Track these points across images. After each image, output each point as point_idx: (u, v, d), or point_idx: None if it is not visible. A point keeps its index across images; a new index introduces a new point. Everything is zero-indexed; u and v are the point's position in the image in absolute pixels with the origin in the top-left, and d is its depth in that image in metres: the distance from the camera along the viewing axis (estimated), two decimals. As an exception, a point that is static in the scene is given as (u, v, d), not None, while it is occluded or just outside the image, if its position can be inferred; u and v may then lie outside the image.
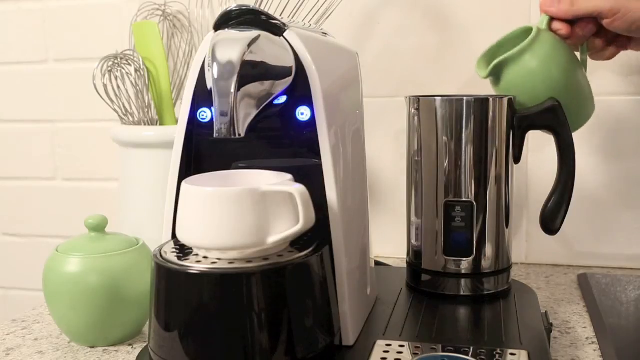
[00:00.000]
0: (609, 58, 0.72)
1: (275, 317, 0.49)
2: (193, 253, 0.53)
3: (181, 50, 0.96)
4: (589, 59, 0.73)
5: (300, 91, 0.55)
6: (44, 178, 1.11)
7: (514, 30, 0.71)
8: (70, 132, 1.08)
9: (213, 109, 0.49)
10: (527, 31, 0.69)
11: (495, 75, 0.70)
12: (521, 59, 0.68)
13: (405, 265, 0.74)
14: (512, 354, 0.54)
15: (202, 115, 0.58)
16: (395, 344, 0.57)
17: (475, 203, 0.67)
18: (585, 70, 0.73)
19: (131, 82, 0.86)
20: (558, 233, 0.70)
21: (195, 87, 0.57)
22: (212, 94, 0.48)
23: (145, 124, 0.88)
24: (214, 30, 0.54)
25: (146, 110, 0.88)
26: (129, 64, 0.86)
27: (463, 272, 0.69)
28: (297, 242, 0.54)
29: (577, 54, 0.72)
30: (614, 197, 0.88)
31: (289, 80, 0.54)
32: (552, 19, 0.69)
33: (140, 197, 0.85)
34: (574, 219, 0.79)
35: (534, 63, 0.67)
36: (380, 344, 0.57)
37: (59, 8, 1.05)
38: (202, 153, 0.59)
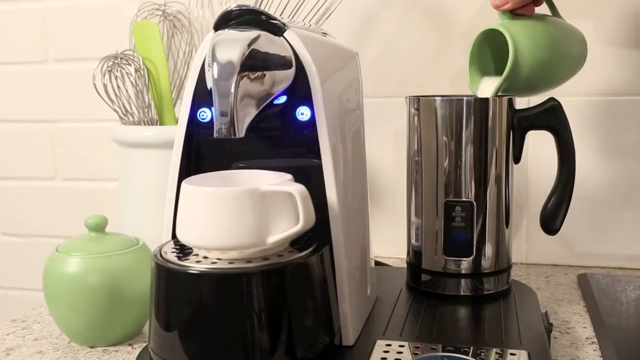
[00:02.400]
0: None
1: (275, 317, 0.49)
2: (193, 253, 0.53)
3: (181, 50, 0.96)
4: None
5: (300, 91, 0.55)
6: (44, 178, 1.11)
7: (475, 38, 0.69)
8: (70, 132, 1.08)
9: (213, 109, 0.49)
10: (489, 33, 0.68)
11: (503, 90, 0.69)
12: (517, 67, 0.66)
13: (405, 265, 0.74)
14: (512, 354, 0.54)
15: (202, 115, 0.58)
16: (395, 344, 0.57)
17: (475, 203, 0.67)
18: (560, 16, 0.74)
19: (131, 82, 0.86)
20: (558, 233, 0.70)
21: (195, 87, 0.57)
22: (212, 94, 0.48)
23: (145, 124, 0.88)
24: (214, 30, 0.54)
25: (146, 110, 0.88)
26: (129, 64, 0.86)
27: (463, 272, 0.69)
28: (297, 242, 0.54)
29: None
30: (614, 197, 0.88)
31: (289, 80, 0.54)
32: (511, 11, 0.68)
33: (140, 197, 0.85)
34: (574, 219, 0.79)
35: (527, 58, 0.66)
36: (380, 344, 0.57)
37: (59, 8, 1.05)
38: (202, 153, 0.59)
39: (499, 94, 0.69)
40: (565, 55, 0.71)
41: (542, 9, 0.72)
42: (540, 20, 0.69)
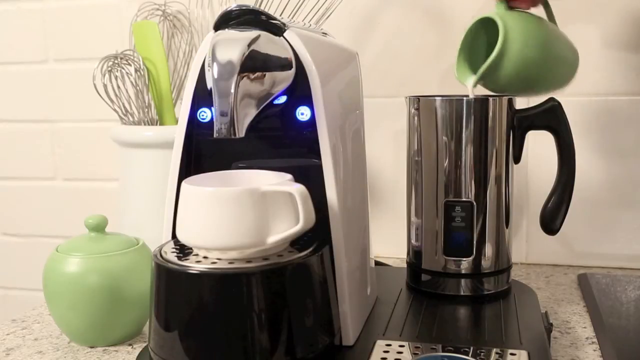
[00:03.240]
0: None
1: (275, 317, 0.49)
2: (193, 253, 0.53)
3: (181, 50, 0.96)
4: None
5: (300, 91, 0.55)
6: (44, 178, 1.11)
7: (470, 26, 0.70)
8: (70, 132, 1.08)
9: (213, 109, 0.49)
10: (484, 21, 0.68)
11: (484, 80, 0.68)
12: (504, 58, 0.66)
13: (405, 265, 0.75)
14: (512, 354, 0.54)
15: (202, 115, 0.58)
16: (395, 344, 0.57)
17: (475, 203, 0.67)
18: (555, 24, 0.73)
19: (131, 82, 0.86)
20: (558, 233, 0.70)
21: (195, 87, 0.57)
22: (212, 94, 0.48)
23: (145, 124, 0.88)
24: (214, 30, 0.54)
25: (146, 110, 0.88)
26: (129, 64, 0.86)
27: (463, 272, 0.69)
28: (297, 242, 0.54)
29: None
30: (614, 197, 0.88)
31: (289, 80, 0.54)
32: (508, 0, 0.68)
33: (140, 197, 0.85)
34: (574, 219, 0.79)
35: (515, 51, 0.66)
36: (380, 344, 0.57)
37: (59, 8, 1.05)
38: (202, 153, 0.59)
39: (499, 95, 0.69)
40: (554, 58, 0.70)
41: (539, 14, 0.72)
42: (535, 18, 0.69)
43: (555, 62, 0.70)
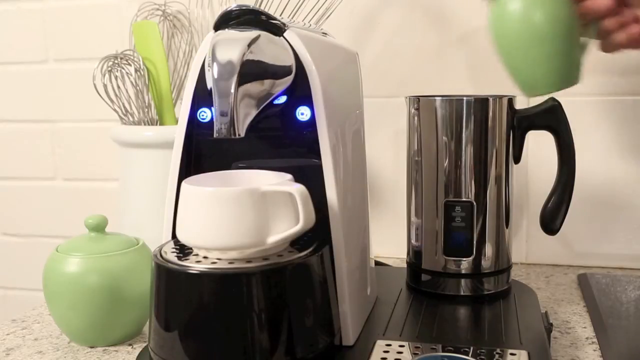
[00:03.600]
0: (613, 49, 0.66)
1: (275, 317, 0.49)
2: (193, 253, 0.53)
3: (181, 50, 0.96)
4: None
5: (300, 91, 0.55)
6: (44, 178, 1.11)
7: None
8: (70, 132, 1.08)
9: (213, 109, 0.49)
10: None
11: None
12: None
13: (405, 265, 0.75)
14: (512, 354, 0.54)
15: (202, 115, 0.58)
16: (395, 344, 0.57)
17: (475, 203, 0.67)
18: (584, 51, 0.67)
19: (131, 82, 0.86)
20: (558, 233, 0.70)
21: (195, 87, 0.57)
22: (212, 94, 0.48)
23: (145, 124, 0.88)
24: (214, 30, 0.54)
25: (146, 110, 0.88)
26: (129, 64, 0.86)
27: (463, 272, 0.69)
28: (297, 242, 0.54)
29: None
30: (614, 197, 0.88)
31: (289, 80, 0.54)
32: None
33: (140, 197, 0.85)
34: (574, 219, 0.79)
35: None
36: (380, 344, 0.57)
37: (59, 8, 1.05)
38: (202, 153, 0.59)
39: (499, 95, 0.69)
40: (557, 47, 0.64)
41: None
42: (570, 7, 0.63)
43: (547, 49, 0.64)
